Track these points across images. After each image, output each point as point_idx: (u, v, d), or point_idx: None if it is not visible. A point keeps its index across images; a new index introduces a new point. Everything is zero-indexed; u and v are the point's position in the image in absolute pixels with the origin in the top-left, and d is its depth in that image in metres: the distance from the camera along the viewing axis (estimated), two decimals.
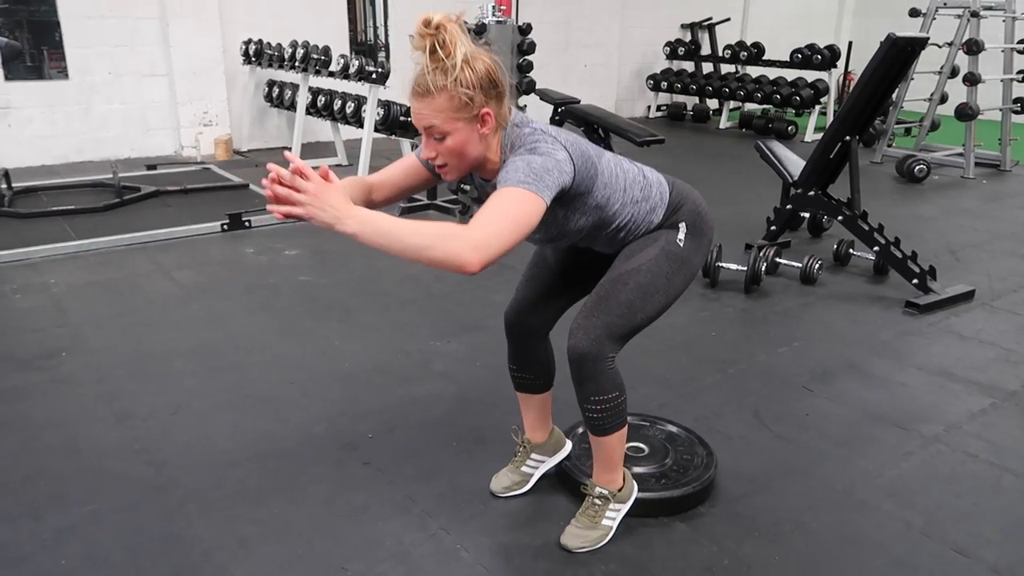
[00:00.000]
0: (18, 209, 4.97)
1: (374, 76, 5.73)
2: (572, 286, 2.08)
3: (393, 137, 6.28)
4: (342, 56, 6.20)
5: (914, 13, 7.44)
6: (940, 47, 7.24)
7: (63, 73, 6.53)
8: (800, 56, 8.97)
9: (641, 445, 2.37)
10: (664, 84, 10.24)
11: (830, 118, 8.34)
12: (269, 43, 6.90)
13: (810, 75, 8.98)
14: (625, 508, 2.05)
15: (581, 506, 2.05)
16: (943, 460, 2.46)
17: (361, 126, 6.01)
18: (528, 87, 5.61)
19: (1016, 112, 7.37)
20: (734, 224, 4.96)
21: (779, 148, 4.67)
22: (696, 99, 10.36)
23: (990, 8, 7.14)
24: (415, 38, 1.58)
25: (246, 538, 2.02)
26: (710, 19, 10.48)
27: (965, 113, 6.87)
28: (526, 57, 5.62)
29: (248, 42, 7.14)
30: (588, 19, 9.81)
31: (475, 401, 2.77)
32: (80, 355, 3.08)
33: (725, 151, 8.32)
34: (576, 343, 1.83)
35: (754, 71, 9.76)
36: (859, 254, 4.39)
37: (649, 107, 10.58)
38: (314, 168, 1.51)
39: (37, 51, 6.41)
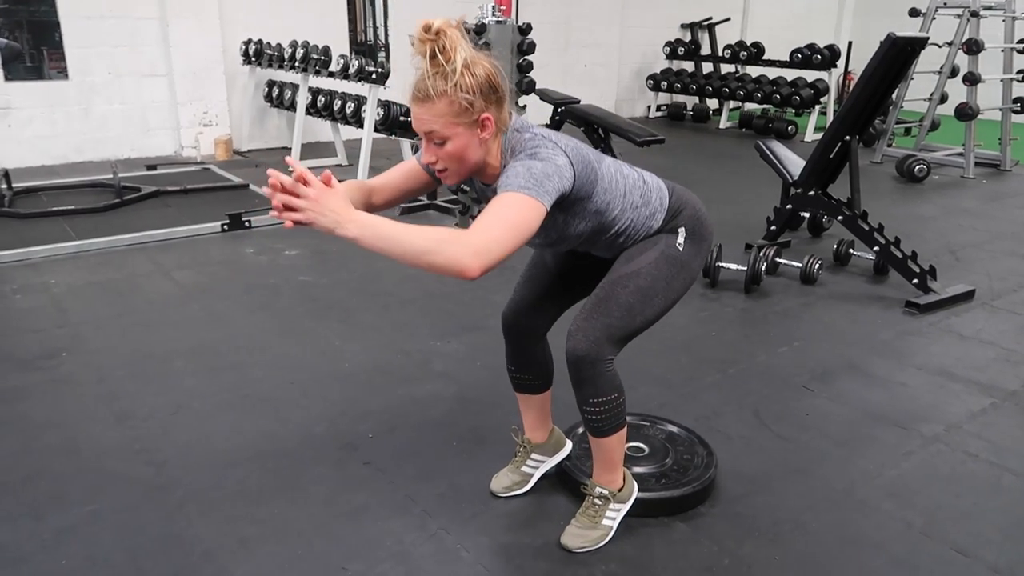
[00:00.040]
0: (18, 209, 4.97)
1: (374, 76, 5.73)
2: (570, 288, 2.08)
3: (393, 137, 6.28)
4: (342, 56, 6.20)
5: (914, 13, 7.44)
6: (940, 47, 7.24)
7: (63, 73, 6.53)
8: (800, 56, 8.97)
9: (641, 445, 2.37)
10: (664, 84, 10.24)
11: (830, 118, 8.34)
12: (269, 43, 6.90)
13: (810, 75, 8.99)
14: (625, 508, 2.06)
15: (581, 506, 2.05)
16: (943, 460, 2.46)
17: (361, 126, 6.01)
18: (528, 87, 5.61)
19: (1016, 112, 7.37)
20: (734, 224, 4.96)
21: (779, 148, 4.67)
22: (696, 99, 10.36)
23: (990, 8, 7.14)
24: (415, 43, 1.58)
25: (246, 538, 2.03)
26: (710, 19, 10.48)
27: (965, 113, 6.87)
28: (526, 57, 5.62)
29: (248, 42, 7.14)
30: (588, 19, 9.81)
31: (475, 401, 2.77)
32: (80, 355, 3.08)
33: (725, 151, 8.32)
34: (575, 345, 1.83)
35: (754, 71, 9.76)
36: (859, 254, 4.39)
37: (649, 107, 10.58)
38: (316, 174, 1.51)
39: (37, 51, 6.42)
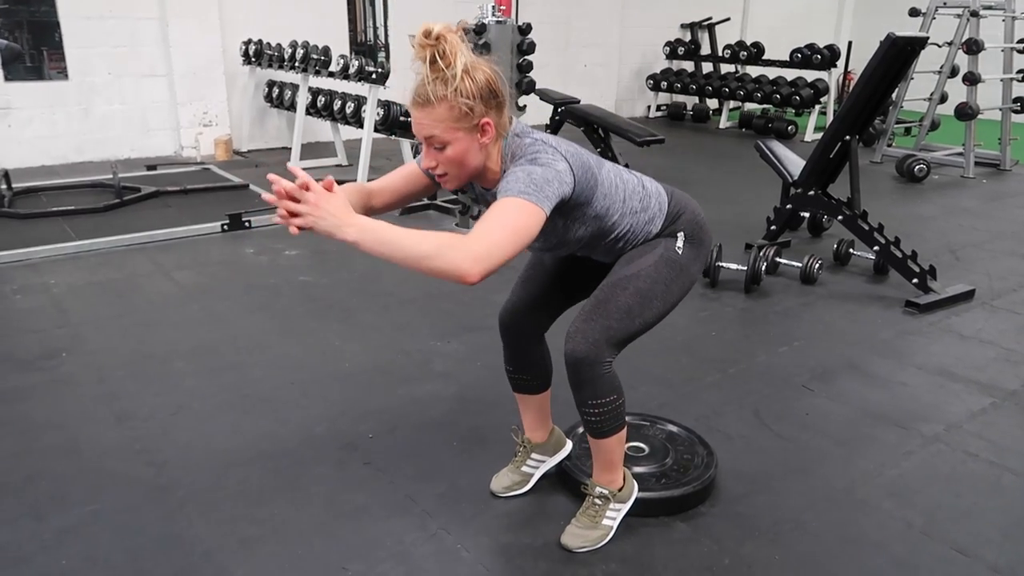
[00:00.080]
0: (18, 210, 4.97)
1: (374, 76, 5.73)
2: (568, 290, 2.09)
3: (393, 137, 6.27)
4: (342, 56, 6.20)
5: (914, 13, 7.44)
6: (940, 47, 7.24)
7: (63, 74, 6.53)
8: (800, 56, 8.97)
9: (641, 445, 2.37)
10: (664, 84, 10.24)
11: (830, 118, 8.34)
12: (269, 43, 6.90)
13: (810, 75, 8.98)
14: (625, 508, 2.06)
15: (581, 506, 2.05)
16: (943, 459, 2.46)
17: (361, 126, 6.00)
18: (528, 87, 5.60)
19: (1016, 112, 7.37)
20: (734, 224, 4.96)
21: (779, 148, 4.67)
22: (696, 99, 10.36)
23: (990, 8, 7.14)
24: (415, 48, 1.58)
25: (247, 538, 2.03)
26: (710, 19, 10.48)
27: (965, 113, 6.87)
28: (526, 57, 5.61)
29: (248, 42, 7.14)
30: (588, 19, 9.81)
31: (475, 401, 2.77)
32: (80, 355, 3.08)
33: (725, 151, 8.32)
34: (574, 347, 1.83)
35: (754, 71, 9.75)
36: (859, 254, 4.39)
37: (649, 107, 10.58)
38: (317, 176, 1.52)
39: (37, 52, 6.41)
